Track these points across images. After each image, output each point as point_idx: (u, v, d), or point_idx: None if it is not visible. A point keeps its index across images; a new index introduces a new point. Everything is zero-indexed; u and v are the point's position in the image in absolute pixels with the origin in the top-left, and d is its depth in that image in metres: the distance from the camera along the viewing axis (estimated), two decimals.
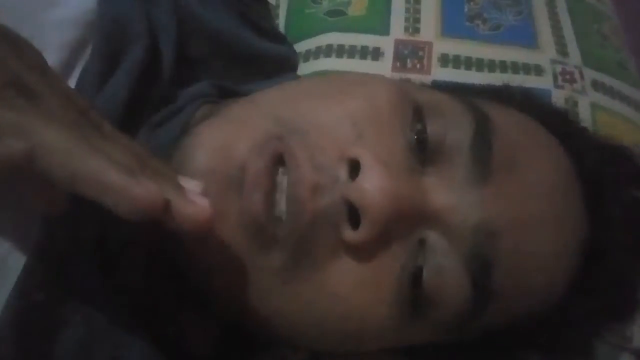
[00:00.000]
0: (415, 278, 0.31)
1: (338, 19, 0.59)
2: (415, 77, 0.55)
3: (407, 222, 0.31)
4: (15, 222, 0.29)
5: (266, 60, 0.50)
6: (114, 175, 0.23)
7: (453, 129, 0.32)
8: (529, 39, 0.58)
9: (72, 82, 0.36)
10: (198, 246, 0.31)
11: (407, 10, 0.59)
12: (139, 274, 0.33)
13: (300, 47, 0.58)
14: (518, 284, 0.33)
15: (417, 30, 0.58)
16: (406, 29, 0.58)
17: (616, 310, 0.39)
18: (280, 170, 0.30)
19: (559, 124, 0.40)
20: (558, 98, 0.55)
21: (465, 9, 0.60)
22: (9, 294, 0.28)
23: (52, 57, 0.34)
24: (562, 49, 0.59)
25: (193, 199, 0.26)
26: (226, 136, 0.32)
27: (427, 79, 0.55)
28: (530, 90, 0.48)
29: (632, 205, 0.40)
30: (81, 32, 0.37)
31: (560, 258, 0.34)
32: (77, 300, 0.30)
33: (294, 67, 0.55)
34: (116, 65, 0.37)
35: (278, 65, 0.51)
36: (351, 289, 0.31)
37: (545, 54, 0.58)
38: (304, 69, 0.56)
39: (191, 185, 0.28)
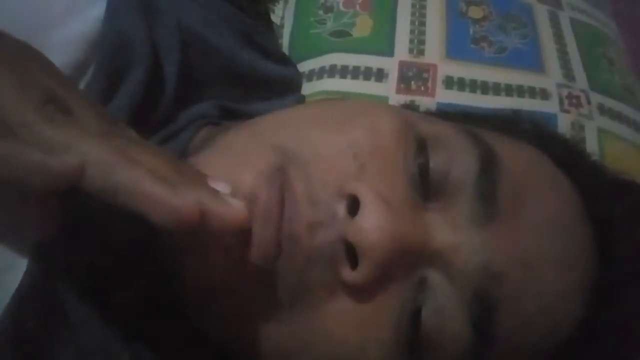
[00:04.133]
0: (415, 318, 0.30)
1: (342, 39, 0.59)
2: (420, 99, 0.54)
3: (408, 260, 0.29)
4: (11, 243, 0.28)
5: (270, 82, 0.49)
6: (154, 187, 0.24)
7: (457, 164, 0.31)
8: (534, 63, 0.58)
9: None
10: (195, 278, 0.30)
11: (411, 31, 0.59)
12: (134, 301, 0.32)
13: (304, 67, 0.57)
14: (522, 327, 0.31)
15: (421, 52, 0.58)
16: (410, 51, 0.58)
17: (626, 354, 0.38)
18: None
19: (568, 157, 0.39)
20: (564, 122, 0.54)
21: (471, 32, 0.59)
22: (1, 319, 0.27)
23: None
24: (568, 73, 0.58)
25: (227, 201, 0.26)
26: (229, 167, 0.31)
27: (432, 101, 0.55)
28: (539, 120, 0.46)
29: None
30: (84, 53, 0.37)
31: (567, 301, 0.33)
32: (67, 329, 0.29)
33: (298, 88, 0.55)
34: (118, 86, 0.37)
35: (281, 86, 0.51)
36: (348, 330, 0.29)
37: (551, 78, 0.57)
38: (307, 88, 0.55)
39: (222, 187, 0.27)
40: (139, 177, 0.24)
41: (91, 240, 0.31)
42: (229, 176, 0.29)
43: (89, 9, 0.38)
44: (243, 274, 0.29)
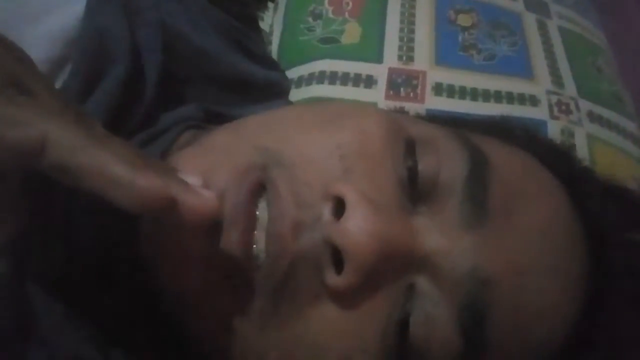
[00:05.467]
0: (402, 327, 0.29)
1: (331, 46, 0.59)
2: (409, 105, 0.54)
3: (395, 266, 0.28)
4: None
5: (256, 85, 0.49)
6: (120, 168, 0.23)
7: (447, 166, 0.30)
8: (523, 70, 0.58)
9: None
10: (172, 283, 0.29)
11: (400, 38, 0.59)
12: (109, 303, 0.31)
13: (293, 73, 0.57)
14: (514, 335, 0.30)
15: (411, 59, 0.57)
16: (400, 58, 0.58)
17: None
18: (261, 205, 0.28)
19: (560, 162, 0.38)
20: (554, 129, 0.54)
21: (460, 39, 0.59)
22: None
23: None
24: (557, 80, 0.58)
25: (197, 190, 0.25)
26: (205, 165, 0.30)
27: (421, 107, 0.54)
28: (531, 126, 0.46)
29: (635, 249, 0.37)
30: (61, 49, 0.36)
31: (560, 307, 0.32)
32: (40, 335, 0.28)
33: (285, 93, 0.54)
34: (96, 85, 0.36)
35: (268, 90, 0.50)
36: (333, 338, 0.28)
37: (540, 85, 0.57)
38: (296, 94, 0.55)
39: (192, 180, 0.26)
40: (103, 158, 0.23)
41: (61, 239, 0.30)
42: (204, 174, 0.28)
43: (67, 6, 0.37)
44: (218, 277, 0.28)
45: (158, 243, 0.29)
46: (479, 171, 0.30)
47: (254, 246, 0.28)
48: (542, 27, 0.63)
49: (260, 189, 0.28)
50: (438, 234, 0.29)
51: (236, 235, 0.27)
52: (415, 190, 0.30)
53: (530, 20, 0.63)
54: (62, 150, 0.22)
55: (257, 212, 0.28)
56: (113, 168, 0.23)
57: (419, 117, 0.46)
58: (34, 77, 0.25)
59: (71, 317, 0.29)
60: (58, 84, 0.35)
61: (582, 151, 0.53)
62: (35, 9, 0.36)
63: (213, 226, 0.28)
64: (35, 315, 0.28)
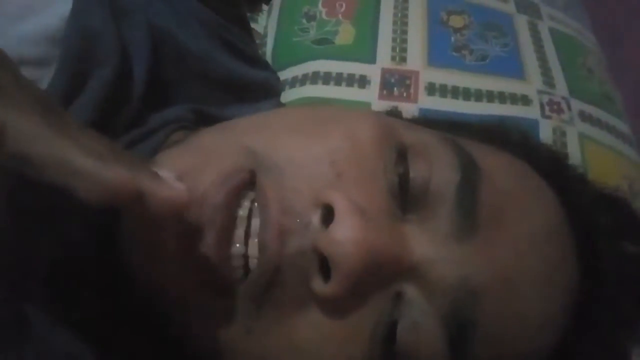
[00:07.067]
0: (389, 334, 0.28)
1: (325, 47, 0.59)
2: (402, 105, 0.55)
3: (383, 274, 0.28)
4: None
5: (246, 85, 0.48)
6: (83, 158, 0.23)
7: (438, 174, 0.30)
8: (515, 70, 0.59)
9: None
10: (157, 283, 0.29)
11: (393, 39, 0.59)
12: (96, 307, 0.31)
13: (287, 74, 0.58)
14: (500, 345, 0.30)
15: (403, 59, 0.58)
16: (393, 58, 0.58)
17: None
18: (244, 205, 0.28)
19: (554, 169, 0.38)
20: (546, 128, 0.55)
21: (452, 40, 0.60)
22: None
23: None
24: (548, 80, 0.59)
25: (168, 182, 0.25)
26: (191, 165, 0.30)
27: (414, 107, 0.55)
28: (526, 130, 0.45)
29: (626, 259, 0.37)
30: (46, 49, 0.36)
31: (548, 318, 0.32)
32: (33, 334, 0.28)
33: (276, 93, 0.54)
34: (83, 85, 0.36)
35: (259, 90, 0.50)
36: (319, 344, 0.28)
37: (532, 85, 0.58)
38: (290, 95, 0.55)
39: (165, 173, 0.26)
40: (66, 149, 0.23)
41: (49, 238, 0.30)
42: (189, 173, 0.28)
43: (52, 6, 0.37)
44: (198, 279, 0.28)
45: (139, 244, 0.29)
46: (470, 180, 0.30)
47: (236, 245, 0.28)
48: (533, 28, 0.64)
49: (243, 191, 0.28)
50: (427, 243, 0.29)
51: (212, 236, 0.27)
52: (406, 198, 0.30)
53: (521, 22, 0.64)
54: (21, 140, 0.22)
55: (240, 212, 0.28)
56: (76, 159, 0.23)
57: (413, 119, 0.46)
58: (3, 72, 0.24)
59: (62, 316, 0.29)
60: (44, 84, 0.35)
61: (573, 150, 0.54)
62: (20, 9, 0.36)
63: (194, 227, 0.28)
64: (28, 314, 0.28)
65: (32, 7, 0.36)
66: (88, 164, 0.23)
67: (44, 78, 0.35)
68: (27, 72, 0.33)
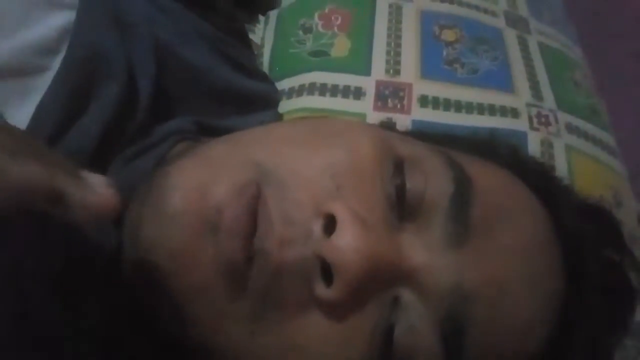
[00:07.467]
0: (387, 337, 0.30)
1: (321, 59, 0.61)
2: (396, 116, 0.56)
3: (382, 280, 0.30)
4: None
5: (245, 97, 0.50)
6: None
7: (433, 185, 0.32)
8: (505, 83, 0.61)
9: (28, 108, 0.35)
10: (168, 288, 0.30)
11: (387, 52, 0.61)
12: (103, 313, 0.32)
13: (284, 84, 0.59)
14: (492, 348, 0.32)
15: (397, 72, 0.60)
16: (387, 71, 0.60)
17: None
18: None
19: (541, 181, 0.40)
20: (534, 140, 0.57)
21: (444, 53, 0.62)
22: None
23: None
24: (537, 94, 0.61)
25: (97, 189, 0.25)
26: (203, 177, 0.31)
27: (407, 118, 0.56)
28: (515, 144, 0.48)
29: (609, 268, 0.39)
30: (39, 60, 0.36)
31: (536, 321, 0.34)
32: (36, 343, 0.29)
33: (274, 104, 0.55)
34: (86, 100, 0.37)
35: (258, 102, 0.52)
36: (320, 345, 0.30)
37: (521, 98, 0.60)
38: (287, 105, 0.57)
39: (96, 178, 0.26)
40: None
41: (55, 239, 0.31)
42: (201, 186, 0.30)
43: (47, 18, 0.37)
44: (214, 286, 0.29)
45: (166, 248, 0.30)
46: (462, 191, 0.32)
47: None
48: (523, 43, 0.66)
49: (256, 203, 0.30)
50: (423, 251, 0.31)
51: (238, 242, 0.29)
52: (403, 208, 0.32)
53: (511, 36, 0.66)
54: None
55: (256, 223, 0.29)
56: None
57: (407, 132, 0.48)
58: None
59: (65, 319, 0.30)
60: (35, 93, 0.35)
61: (560, 161, 0.56)
62: (13, 22, 0.36)
63: (208, 232, 0.29)
64: (33, 314, 0.29)
65: (27, 20, 0.37)
66: None
67: (35, 88, 0.36)
68: (16, 83, 0.34)
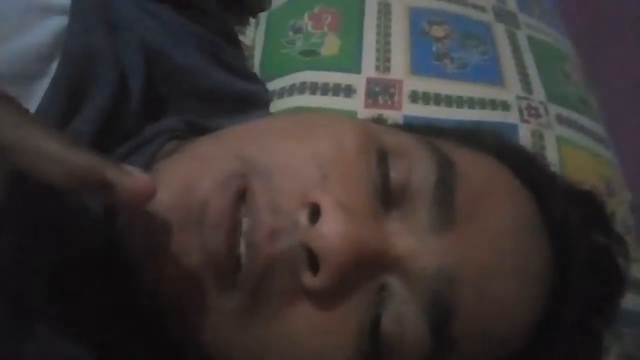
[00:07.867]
0: (375, 324, 0.31)
1: (312, 58, 0.61)
2: (387, 113, 0.57)
3: (368, 267, 0.30)
4: None
5: (236, 97, 0.50)
6: (52, 144, 0.24)
7: (417, 173, 0.32)
8: (494, 77, 0.61)
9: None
10: (158, 281, 0.31)
11: (377, 50, 0.61)
12: (97, 309, 0.32)
13: (275, 84, 0.59)
14: (480, 331, 0.32)
15: (387, 69, 0.60)
16: (377, 68, 0.60)
17: (582, 356, 0.38)
18: (244, 208, 0.30)
19: (527, 167, 0.41)
20: (525, 132, 0.57)
21: (434, 49, 0.62)
22: None
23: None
24: (526, 86, 0.61)
25: (137, 175, 0.27)
26: (188, 172, 0.32)
27: (398, 114, 0.57)
28: (500, 133, 0.48)
29: (596, 251, 0.39)
30: (36, 65, 0.37)
31: (523, 305, 0.34)
32: (35, 335, 0.29)
33: (265, 104, 0.56)
34: (80, 102, 0.37)
35: (248, 102, 0.52)
36: (310, 335, 0.30)
37: (510, 91, 0.60)
38: (278, 105, 0.57)
39: (133, 168, 0.28)
40: (37, 135, 0.24)
41: (52, 246, 0.31)
42: (187, 181, 0.31)
43: (43, 22, 0.38)
44: (202, 276, 0.30)
45: (145, 245, 0.31)
46: (446, 178, 0.32)
47: (238, 248, 0.30)
48: (512, 37, 0.66)
49: (242, 195, 0.30)
50: (408, 237, 0.31)
51: (220, 236, 0.29)
52: (388, 196, 0.32)
53: (500, 30, 0.66)
54: None
55: (240, 216, 0.30)
56: (45, 143, 0.24)
57: (396, 125, 0.48)
58: None
59: (63, 317, 0.31)
60: (34, 98, 0.36)
61: (551, 152, 0.56)
62: (9, 28, 0.37)
63: (195, 226, 0.30)
64: (31, 314, 0.30)
65: (23, 25, 0.37)
66: (56, 148, 0.24)
67: (34, 94, 0.36)
68: (16, 88, 0.34)
